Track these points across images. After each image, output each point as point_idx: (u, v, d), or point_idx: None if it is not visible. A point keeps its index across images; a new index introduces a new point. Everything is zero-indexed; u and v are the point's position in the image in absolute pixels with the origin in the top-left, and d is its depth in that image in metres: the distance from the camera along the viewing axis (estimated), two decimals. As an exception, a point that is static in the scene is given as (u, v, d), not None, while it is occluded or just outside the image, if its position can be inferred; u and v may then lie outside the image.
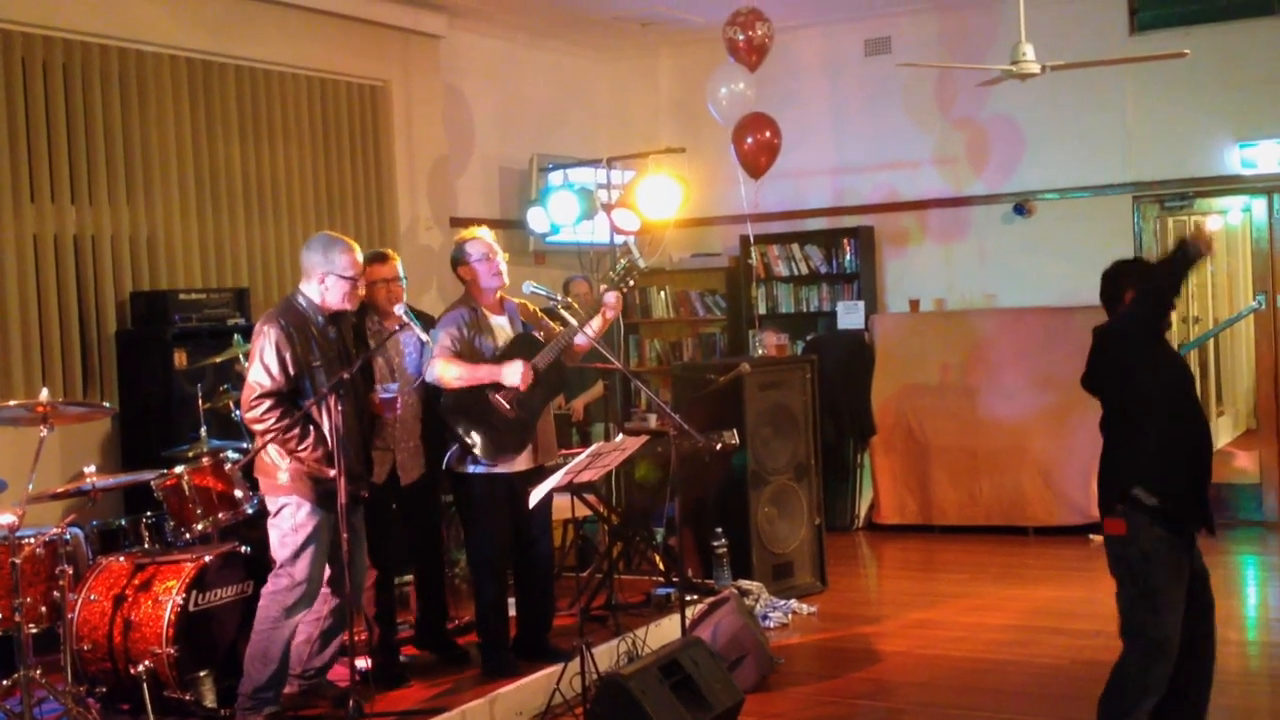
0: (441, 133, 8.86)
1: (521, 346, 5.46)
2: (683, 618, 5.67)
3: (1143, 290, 4.28)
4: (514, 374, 5.29)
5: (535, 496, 5.14)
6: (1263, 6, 8.69)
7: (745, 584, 6.94)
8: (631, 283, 5.60)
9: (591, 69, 10.44)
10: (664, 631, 6.01)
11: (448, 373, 5.28)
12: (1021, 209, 9.36)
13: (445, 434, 5.42)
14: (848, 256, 9.85)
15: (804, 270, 10.02)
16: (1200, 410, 4.43)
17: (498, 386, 5.34)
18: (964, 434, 9.00)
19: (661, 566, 7.11)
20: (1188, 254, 4.18)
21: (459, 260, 5.52)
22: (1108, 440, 4.39)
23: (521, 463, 5.44)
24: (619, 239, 8.08)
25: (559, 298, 5.67)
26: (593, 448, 5.35)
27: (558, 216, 8.50)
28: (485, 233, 5.56)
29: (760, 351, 8.34)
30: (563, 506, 6.58)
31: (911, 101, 9.70)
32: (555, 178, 9.16)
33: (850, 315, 9.68)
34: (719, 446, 6.69)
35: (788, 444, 7.44)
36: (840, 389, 9.01)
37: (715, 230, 10.44)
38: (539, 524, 5.58)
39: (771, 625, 6.71)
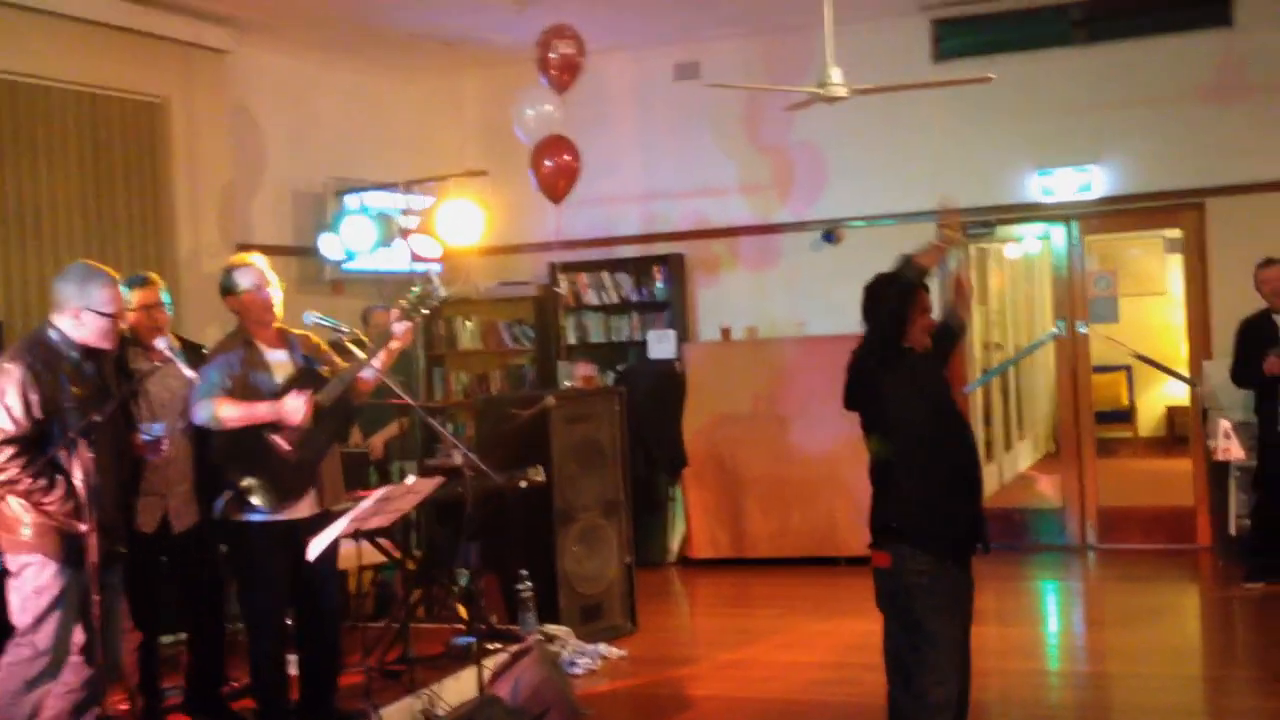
0: (228, 154, 8.31)
1: (304, 382, 5.02)
2: (479, 674, 5.32)
3: (874, 318, 4.15)
4: (295, 409, 4.86)
5: (315, 548, 4.73)
6: (1062, 37, 8.87)
7: (551, 629, 6.61)
8: (425, 312, 5.26)
9: (392, 90, 10.00)
10: (463, 685, 5.63)
11: (223, 413, 4.83)
12: (830, 236, 9.31)
13: (218, 480, 4.96)
14: (658, 284, 9.67)
15: (614, 299, 9.80)
16: (962, 429, 4.27)
17: (276, 426, 4.90)
18: (775, 463, 8.88)
19: (463, 614, 6.73)
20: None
21: (228, 289, 5.05)
22: (870, 468, 4.23)
23: (304, 508, 4.98)
24: (420, 267, 7.71)
25: (345, 329, 5.27)
26: (379, 492, 5.00)
27: (352, 243, 8.09)
28: (258, 259, 5.10)
29: (568, 384, 8.04)
30: (353, 553, 6.17)
31: (720, 127, 9.59)
32: (352, 202, 8.72)
33: (661, 344, 9.47)
34: (522, 484, 6.40)
35: (596, 479, 7.17)
36: (651, 420, 8.77)
37: (524, 258, 10.10)
38: (322, 572, 5.07)
39: (579, 672, 6.40)
